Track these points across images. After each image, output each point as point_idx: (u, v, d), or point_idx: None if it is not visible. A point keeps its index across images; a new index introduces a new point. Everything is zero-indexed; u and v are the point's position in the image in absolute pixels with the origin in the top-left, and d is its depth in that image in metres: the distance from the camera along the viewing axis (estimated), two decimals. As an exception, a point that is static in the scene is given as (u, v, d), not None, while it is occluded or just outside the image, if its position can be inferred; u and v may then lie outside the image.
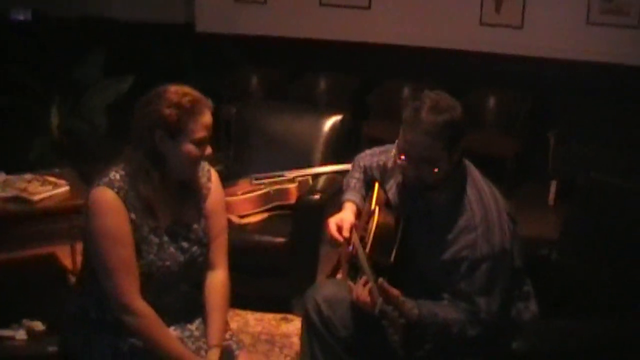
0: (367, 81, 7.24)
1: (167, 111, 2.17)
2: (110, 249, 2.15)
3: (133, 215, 2.19)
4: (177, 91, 2.20)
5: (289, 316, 3.92)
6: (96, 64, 5.93)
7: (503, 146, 6.36)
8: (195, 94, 2.23)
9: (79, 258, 4.21)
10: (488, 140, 6.28)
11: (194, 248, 2.35)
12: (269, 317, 3.90)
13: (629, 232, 2.76)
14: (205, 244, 2.39)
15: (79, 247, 4.14)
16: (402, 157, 2.33)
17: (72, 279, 4.15)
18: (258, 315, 3.90)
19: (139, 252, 2.21)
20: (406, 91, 7.14)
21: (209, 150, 2.28)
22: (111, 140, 5.99)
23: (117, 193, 2.17)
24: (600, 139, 6.16)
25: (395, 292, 2.16)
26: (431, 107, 2.25)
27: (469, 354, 2.38)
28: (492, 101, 6.72)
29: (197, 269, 2.39)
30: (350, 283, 2.39)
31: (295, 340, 3.64)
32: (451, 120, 2.25)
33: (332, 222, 2.62)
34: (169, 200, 2.29)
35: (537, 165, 6.50)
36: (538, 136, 6.47)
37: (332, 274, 4.23)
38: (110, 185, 2.18)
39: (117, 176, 2.21)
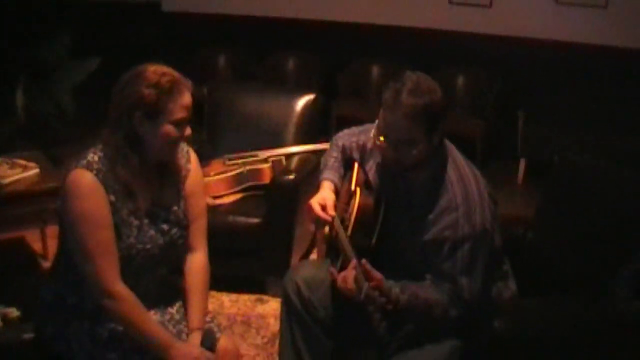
0: (335, 60, 7.22)
1: (146, 91, 2.12)
2: (90, 232, 2.10)
3: (112, 198, 2.15)
4: (156, 71, 2.16)
5: (264, 297, 3.91)
6: (62, 44, 5.83)
7: (472, 125, 6.37)
8: (175, 73, 2.19)
9: (49, 242, 4.17)
10: (457, 120, 6.28)
11: (174, 230, 2.32)
12: (244, 299, 3.88)
13: (603, 210, 2.79)
14: (185, 226, 2.36)
15: (50, 230, 4.11)
16: (381, 138, 2.31)
17: (43, 264, 4.10)
18: (233, 296, 3.88)
19: (118, 235, 2.17)
20: (375, 70, 7.14)
21: (188, 131, 2.24)
22: (79, 122, 5.92)
23: (96, 175, 2.12)
24: (568, 117, 6.23)
25: (378, 275, 2.16)
26: (411, 89, 2.23)
27: (451, 333, 2.39)
28: (460, 80, 6.73)
29: (177, 251, 2.36)
30: (333, 269, 2.37)
31: (272, 321, 3.64)
32: (431, 103, 2.24)
33: (315, 202, 2.60)
34: (148, 183, 2.25)
35: (506, 144, 6.55)
36: (507, 115, 6.52)
37: (305, 256, 4.23)
38: (89, 167, 2.13)
39: (96, 158, 2.16)
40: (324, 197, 2.63)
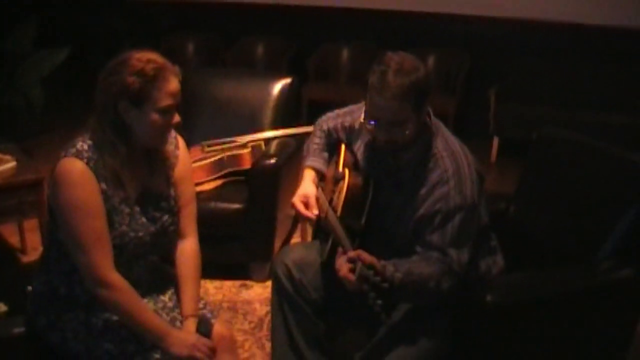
0: (304, 44, 7.21)
1: (130, 79, 2.09)
2: (83, 222, 2.08)
3: (104, 186, 2.12)
4: (141, 58, 2.13)
5: (248, 282, 3.91)
6: (28, 35, 5.72)
7: (444, 105, 6.41)
8: (160, 60, 2.17)
9: (27, 235, 4.13)
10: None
11: (165, 217, 2.30)
12: (229, 285, 3.88)
13: (583, 184, 2.83)
14: (175, 213, 2.35)
15: (27, 224, 4.06)
16: (372, 122, 2.31)
17: (22, 258, 4.06)
18: (217, 283, 3.88)
19: (110, 223, 2.14)
20: (345, 53, 7.16)
21: (177, 118, 2.23)
22: (48, 113, 5.84)
23: (87, 163, 2.09)
24: (539, 95, 6.28)
25: (372, 258, 2.16)
26: (396, 70, 2.24)
27: (445, 309, 2.41)
28: (431, 60, 6.76)
29: (168, 238, 2.34)
30: (339, 262, 2.34)
31: (257, 306, 3.65)
32: (417, 81, 2.25)
33: (297, 201, 2.62)
34: (137, 170, 2.23)
35: (478, 123, 6.58)
36: (478, 94, 6.56)
37: (287, 241, 4.24)
38: (79, 155, 2.10)
39: (85, 146, 2.13)
40: (304, 194, 2.64)
